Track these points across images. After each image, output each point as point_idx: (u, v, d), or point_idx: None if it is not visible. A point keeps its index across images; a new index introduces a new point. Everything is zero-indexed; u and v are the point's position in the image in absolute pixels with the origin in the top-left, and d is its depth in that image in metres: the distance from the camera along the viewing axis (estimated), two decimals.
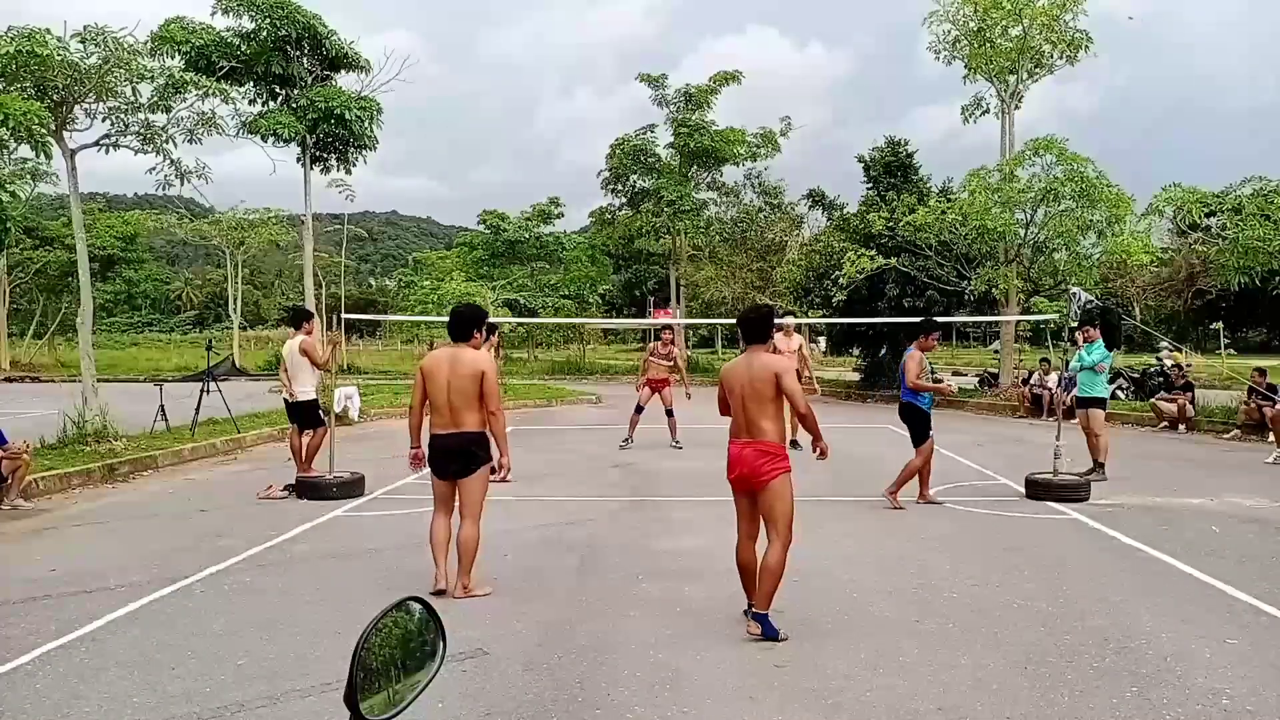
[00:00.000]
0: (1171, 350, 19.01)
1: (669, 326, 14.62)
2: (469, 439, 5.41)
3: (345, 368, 29.62)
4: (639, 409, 12.55)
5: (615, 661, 4.35)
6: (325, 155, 16.94)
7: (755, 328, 5.01)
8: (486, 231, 37.98)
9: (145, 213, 37.46)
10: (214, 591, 5.55)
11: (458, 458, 5.44)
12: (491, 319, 11.98)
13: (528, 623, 4.92)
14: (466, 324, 5.59)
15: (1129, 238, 17.63)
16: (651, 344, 13.05)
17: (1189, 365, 19.66)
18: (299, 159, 16.78)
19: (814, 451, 5.16)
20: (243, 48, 15.67)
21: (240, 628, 4.84)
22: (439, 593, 5.39)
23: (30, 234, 30.34)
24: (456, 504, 5.55)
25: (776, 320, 11.83)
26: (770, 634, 4.62)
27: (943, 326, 8.53)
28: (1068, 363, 10.76)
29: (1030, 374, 19.00)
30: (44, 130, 9.71)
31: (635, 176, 33.42)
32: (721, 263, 34.38)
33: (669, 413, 12.43)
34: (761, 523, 4.94)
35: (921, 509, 8.20)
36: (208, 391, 12.92)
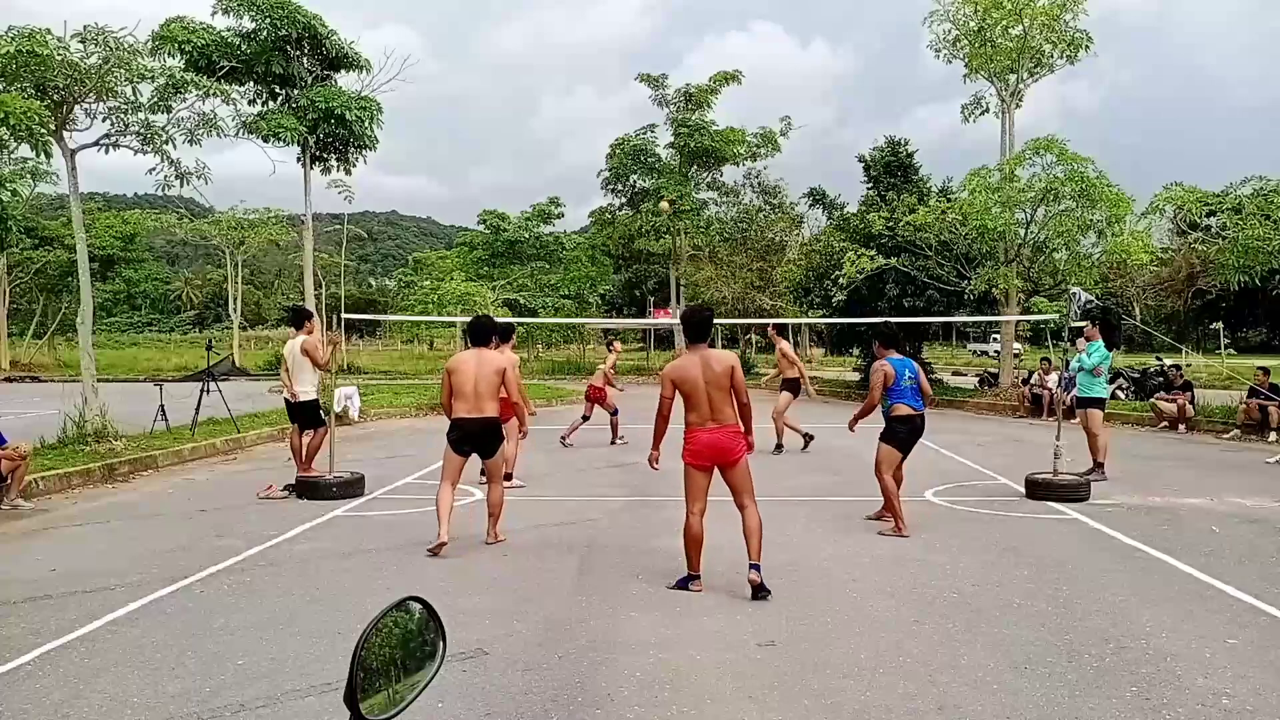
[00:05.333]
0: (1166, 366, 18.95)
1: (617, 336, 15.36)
2: (488, 423, 6.53)
3: (345, 368, 29.62)
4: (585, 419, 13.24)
5: (615, 661, 4.34)
6: (325, 155, 16.95)
7: (701, 328, 5.54)
8: (486, 231, 37.98)
9: (145, 213, 37.48)
10: (214, 591, 5.55)
11: (479, 439, 6.54)
12: (507, 321, 12.57)
13: (528, 623, 4.91)
14: (485, 332, 6.82)
15: (1129, 237, 17.63)
16: (611, 359, 14.05)
17: (1187, 364, 19.66)
18: (299, 159, 16.79)
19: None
20: (243, 48, 15.68)
21: (240, 628, 4.83)
22: (439, 548, 6.26)
23: (30, 234, 30.31)
24: (483, 473, 6.97)
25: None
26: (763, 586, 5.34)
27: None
28: (1067, 363, 10.76)
29: (1030, 374, 19.00)
30: (44, 130, 9.71)
31: (635, 176, 33.44)
32: (721, 263, 34.39)
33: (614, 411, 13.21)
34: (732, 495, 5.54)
35: (921, 509, 8.20)
36: (208, 391, 12.93)
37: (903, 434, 7.23)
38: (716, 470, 5.48)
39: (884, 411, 7.28)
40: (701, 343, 5.52)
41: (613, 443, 12.87)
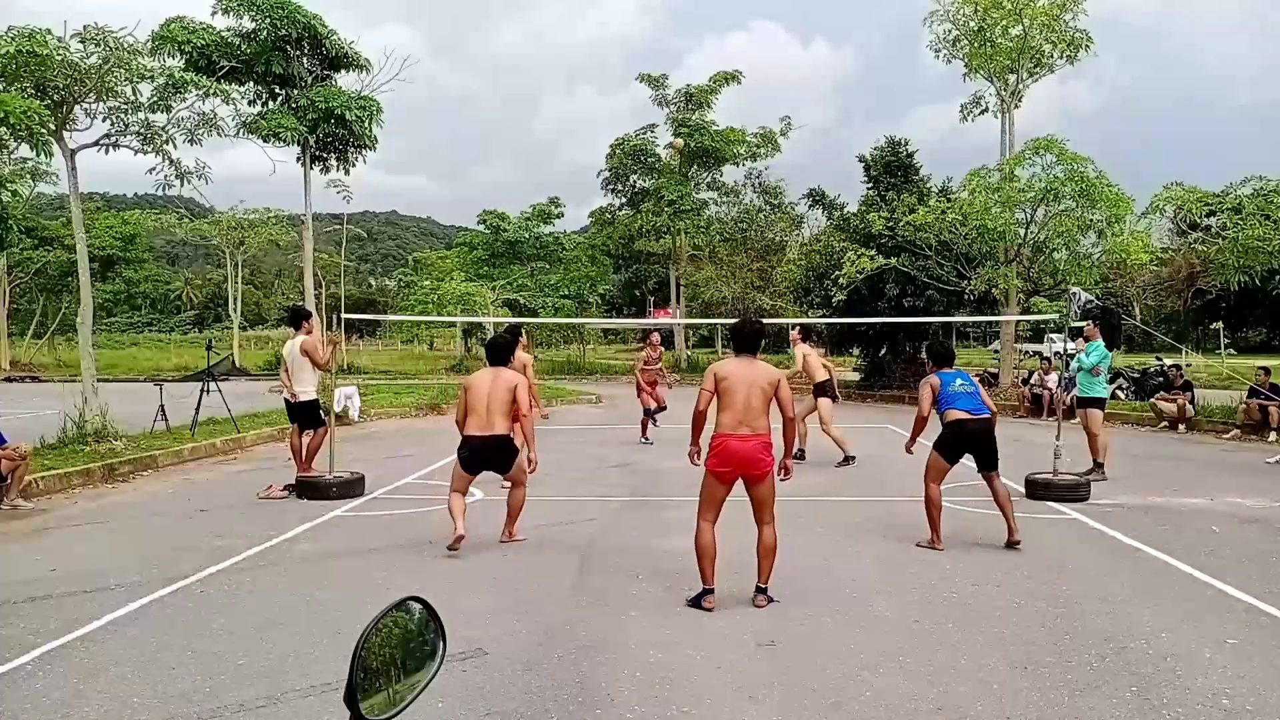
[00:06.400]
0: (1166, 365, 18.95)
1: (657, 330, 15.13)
2: (499, 440, 6.49)
3: (345, 368, 29.62)
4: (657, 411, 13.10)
5: (615, 661, 4.35)
6: (325, 155, 16.95)
7: (750, 340, 5.40)
8: (486, 231, 37.99)
9: (145, 213, 37.49)
10: (214, 591, 5.55)
11: (490, 456, 6.54)
12: (515, 322, 12.51)
13: (528, 623, 4.92)
14: (502, 351, 6.82)
15: (1129, 237, 17.63)
16: (644, 352, 13.79)
17: (1187, 364, 19.66)
18: (299, 159, 16.79)
19: (780, 471, 5.36)
20: (243, 48, 15.68)
21: (240, 628, 4.83)
22: (457, 542, 6.32)
23: (30, 234, 30.35)
24: (503, 479, 6.88)
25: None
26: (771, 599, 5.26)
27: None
28: (1068, 362, 10.75)
29: (1030, 374, 19.00)
30: (44, 130, 9.72)
31: (635, 176, 33.47)
32: (721, 263, 34.40)
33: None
34: (753, 510, 5.37)
35: (921, 509, 8.19)
36: (208, 391, 12.92)
37: (952, 440, 6.69)
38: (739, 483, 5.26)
39: (940, 420, 6.82)
40: (750, 354, 5.36)
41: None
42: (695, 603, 5.17)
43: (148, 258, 45.39)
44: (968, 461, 7.20)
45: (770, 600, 5.21)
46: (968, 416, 6.66)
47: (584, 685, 4.06)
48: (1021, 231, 18.59)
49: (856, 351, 26.93)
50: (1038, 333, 29.74)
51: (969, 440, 6.70)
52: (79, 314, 11.67)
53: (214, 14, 15.63)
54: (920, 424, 6.88)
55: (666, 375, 14.06)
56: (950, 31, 20.84)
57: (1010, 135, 20.47)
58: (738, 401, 5.15)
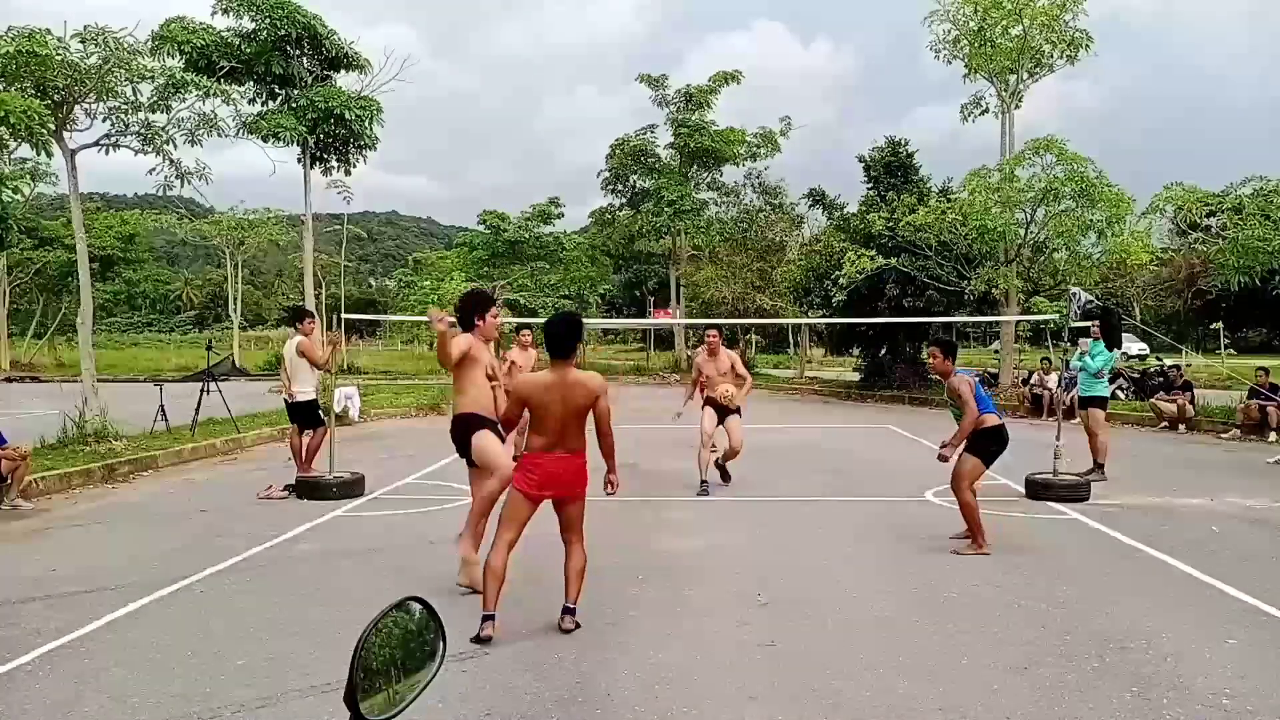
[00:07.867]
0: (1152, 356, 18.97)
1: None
2: (460, 419, 5.47)
3: (345, 368, 29.62)
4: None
5: (615, 661, 4.34)
6: (325, 155, 16.95)
7: (563, 343, 4.67)
8: (486, 231, 37.91)
9: (145, 213, 37.50)
10: (214, 591, 5.55)
11: (455, 436, 5.52)
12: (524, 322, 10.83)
13: (528, 623, 4.91)
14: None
15: (1129, 237, 17.64)
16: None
17: (1187, 364, 19.66)
18: (299, 159, 16.79)
19: (606, 486, 4.88)
20: (243, 48, 15.69)
21: (240, 628, 4.83)
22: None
23: (30, 234, 30.35)
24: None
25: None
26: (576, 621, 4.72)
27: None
28: (1068, 363, 10.75)
29: (1030, 374, 19.00)
30: (44, 130, 9.72)
31: (635, 176, 33.47)
32: (721, 263, 34.39)
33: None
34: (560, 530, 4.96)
35: (921, 509, 8.20)
36: (208, 391, 12.92)
37: (993, 446, 6.53)
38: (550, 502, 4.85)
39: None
40: (566, 359, 4.67)
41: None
42: (476, 637, 4.51)
43: (148, 258, 45.43)
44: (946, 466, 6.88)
45: (578, 625, 4.70)
46: (1001, 422, 6.58)
47: (584, 685, 4.06)
48: (1021, 231, 18.59)
49: (856, 352, 26.93)
50: (1038, 334, 29.76)
51: (1003, 447, 6.56)
52: (79, 314, 11.67)
53: (214, 14, 15.63)
54: (976, 428, 6.42)
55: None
56: (950, 32, 20.84)
57: (1010, 135, 20.48)
58: (550, 428, 4.62)
